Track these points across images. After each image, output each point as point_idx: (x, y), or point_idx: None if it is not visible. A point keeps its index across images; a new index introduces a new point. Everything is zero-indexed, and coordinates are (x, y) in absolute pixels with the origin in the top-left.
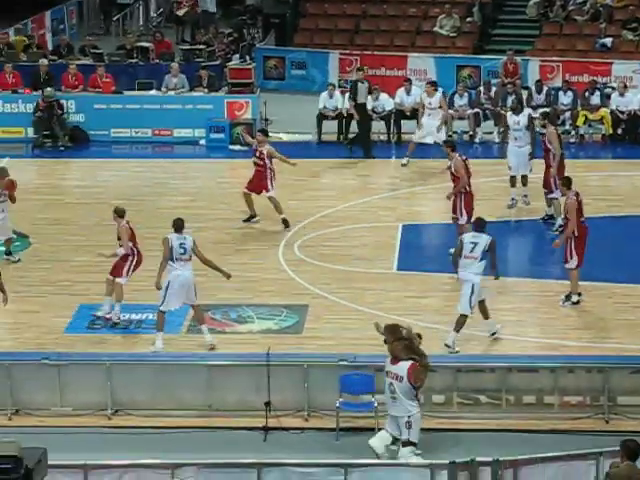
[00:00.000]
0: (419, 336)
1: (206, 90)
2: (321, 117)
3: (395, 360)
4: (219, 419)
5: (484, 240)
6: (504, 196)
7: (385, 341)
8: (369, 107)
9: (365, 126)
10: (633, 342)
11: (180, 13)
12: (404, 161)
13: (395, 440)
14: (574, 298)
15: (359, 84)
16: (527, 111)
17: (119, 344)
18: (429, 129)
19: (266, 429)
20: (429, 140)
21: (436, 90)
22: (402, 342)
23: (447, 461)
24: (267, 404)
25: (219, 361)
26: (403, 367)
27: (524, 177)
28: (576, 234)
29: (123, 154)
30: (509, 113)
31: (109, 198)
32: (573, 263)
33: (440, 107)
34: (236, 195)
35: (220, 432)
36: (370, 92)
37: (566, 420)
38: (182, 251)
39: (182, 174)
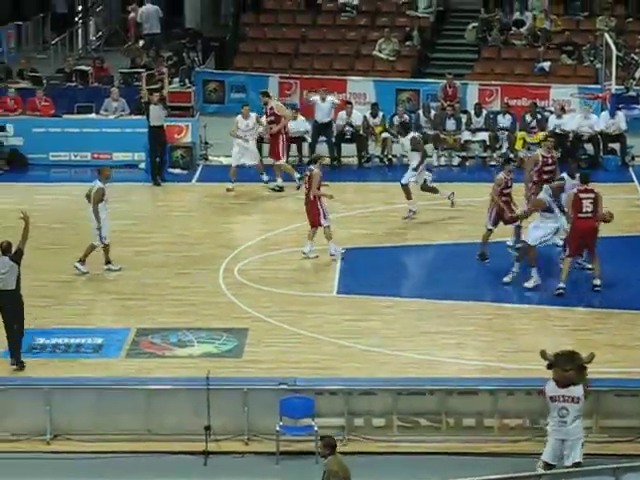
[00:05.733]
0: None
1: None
2: (261, 140)
3: (564, 385)
4: (159, 444)
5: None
6: (445, 219)
7: (549, 367)
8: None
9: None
10: None
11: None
12: (230, 186)
13: (548, 466)
14: (559, 285)
15: (151, 106)
16: (411, 134)
17: (58, 368)
18: (249, 151)
19: (206, 453)
20: (249, 161)
21: (250, 111)
22: (580, 369)
23: None
24: (207, 428)
25: (158, 385)
26: (579, 389)
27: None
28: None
29: (62, 177)
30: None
31: (48, 222)
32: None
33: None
34: (175, 218)
35: (160, 457)
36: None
37: (506, 443)
38: None
39: (121, 198)
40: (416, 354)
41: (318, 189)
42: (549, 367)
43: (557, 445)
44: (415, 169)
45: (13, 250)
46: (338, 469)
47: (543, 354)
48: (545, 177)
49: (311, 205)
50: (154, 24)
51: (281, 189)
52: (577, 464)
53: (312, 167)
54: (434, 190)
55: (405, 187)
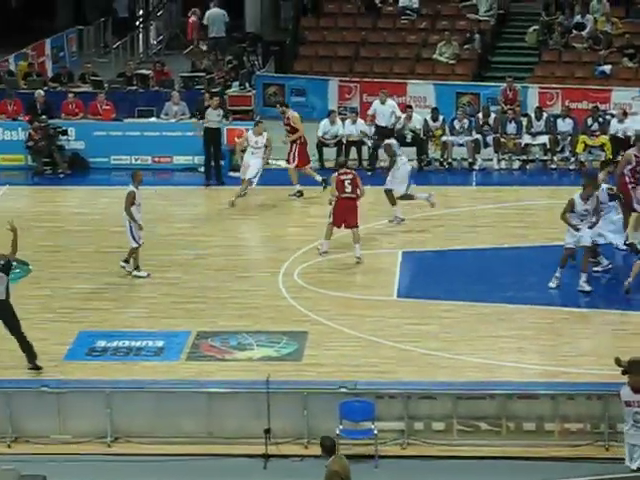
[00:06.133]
0: None
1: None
2: (321, 144)
3: (638, 390)
4: (219, 446)
5: None
6: (506, 222)
7: (623, 373)
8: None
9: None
10: None
11: (185, 52)
12: (234, 199)
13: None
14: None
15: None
16: (387, 141)
17: (119, 371)
18: (255, 168)
19: (266, 456)
20: (255, 179)
21: (265, 130)
22: None
23: None
24: (267, 431)
25: (219, 388)
26: None
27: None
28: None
29: (123, 181)
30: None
31: (108, 225)
32: None
33: (266, 147)
34: (235, 222)
35: (220, 459)
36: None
37: (566, 447)
38: None
39: (182, 201)
40: (476, 358)
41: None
42: (624, 373)
43: (629, 449)
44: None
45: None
46: (339, 469)
47: (617, 361)
48: (639, 176)
49: (355, 206)
50: (220, 28)
51: (301, 194)
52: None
53: (345, 170)
54: (411, 197)
55: (389, 193)
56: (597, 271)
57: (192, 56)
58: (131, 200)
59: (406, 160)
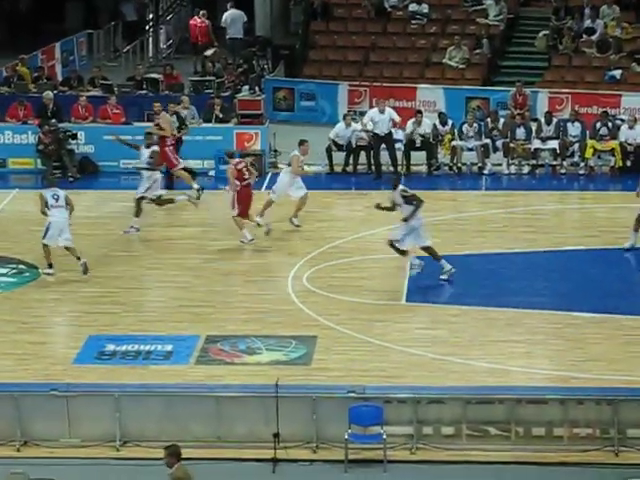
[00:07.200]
0: None
1: (221, 115)
2: (330, 148)
3: None
4: (228, 450)
5: None
6: (515, 227)
7: None
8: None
9: None
10: None
11: (208, 53)
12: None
13: None
14: None
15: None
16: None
17: (127, 375)
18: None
19: (275, 461)
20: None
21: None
22: None
23: None
24: (276, 435)
25: (228, 392)
26: None
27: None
28: None
29: (132, 185)
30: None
31: (118, 229)
32: None
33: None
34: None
35: (229, 464)
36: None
37: (575, 452)
38: None
39: (191, 205)
40: (485, 363)
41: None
42: None
43: None
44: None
45: None
46: (183, 476)
47: None
48: None
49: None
50: (238, 29)
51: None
52: None
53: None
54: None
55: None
56: None
57: (214, 57)
58: None
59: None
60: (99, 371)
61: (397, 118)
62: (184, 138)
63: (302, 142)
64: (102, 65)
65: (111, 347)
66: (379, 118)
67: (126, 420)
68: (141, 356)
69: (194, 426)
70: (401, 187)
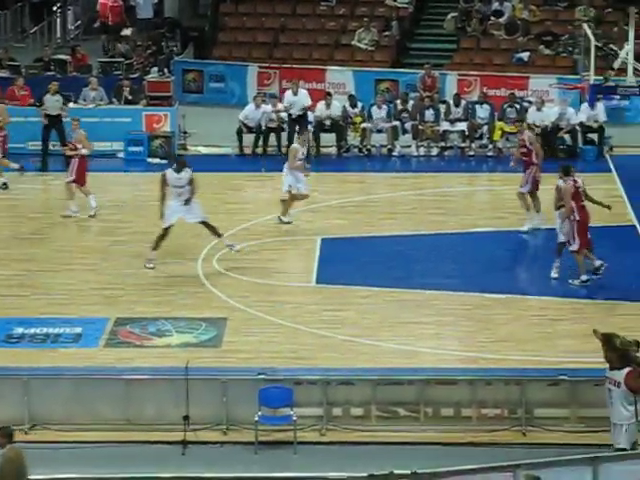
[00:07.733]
0: (637, 344)
1: (130, 97)
2: (240, 130)
3: (610, 367)
4: (137, 433)
5: None
6: (424, 209)
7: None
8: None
9: None
10: (550, 354)
11: (126, 33)
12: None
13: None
14: (583, 277)
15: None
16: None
17: (36, 358)
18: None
19: (185, 443)
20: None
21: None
22: (616, 352)
23: (365, 474)
24: (185, 418)
25: (137, 375)
26: (622, 373)
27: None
28: (577, 218)
29: (39, 167)
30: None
31: (25, 211)
32: (575, 246)
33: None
34: (154, 208)
35: (138, 446)
36: None
37: (484, 432)
38: None
39: (100, 187)
40: (395, 344)
41: None
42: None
43: (611, 427)
44: None
45: None
46: (13, 456)
47: (595, 332)
48: None
49: None
50: (149, 10)
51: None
52: (619, 449)
53: None
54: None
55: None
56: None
57: (128, 40)
58: None
59: None
60: (7, 354)
61: (308, 102)
62: (94, 120)
63: (301, 132)
64: (9, 46)
65: (19, 330)
66: (293, 100)
67: (34, 403)
68: (50, 339)
69: (103, 409)
70: None
